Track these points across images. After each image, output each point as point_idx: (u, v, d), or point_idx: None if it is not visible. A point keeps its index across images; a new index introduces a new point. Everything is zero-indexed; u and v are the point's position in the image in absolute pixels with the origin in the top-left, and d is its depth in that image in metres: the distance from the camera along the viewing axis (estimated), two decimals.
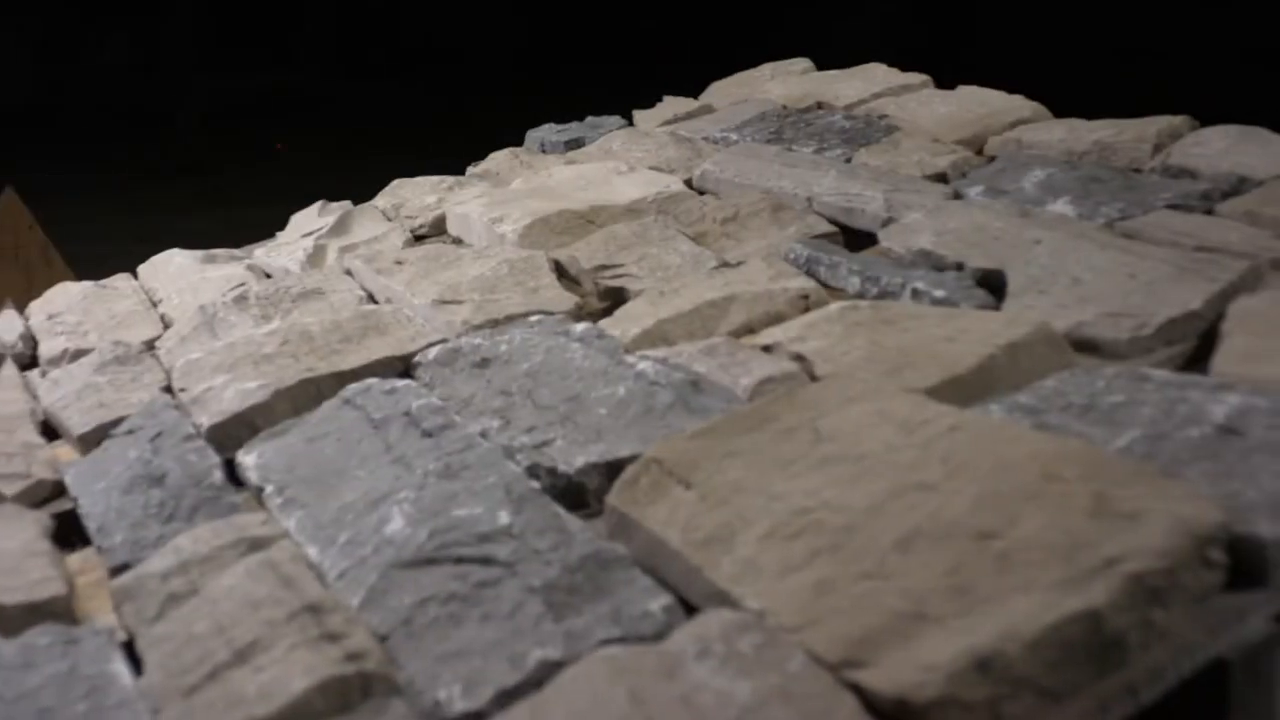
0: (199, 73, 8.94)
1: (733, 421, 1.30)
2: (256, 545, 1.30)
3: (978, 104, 2.47)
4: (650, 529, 1.16)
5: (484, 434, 1.45)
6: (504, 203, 2.37)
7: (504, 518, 1.22)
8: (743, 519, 1.14)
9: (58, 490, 1.64)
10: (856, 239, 1.99)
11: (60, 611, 1.30)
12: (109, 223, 6.54)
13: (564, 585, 1.11)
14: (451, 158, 3.32)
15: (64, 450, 1.78)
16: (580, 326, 1.68)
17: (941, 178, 2.13)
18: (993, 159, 2.21)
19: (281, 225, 2.78)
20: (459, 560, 1.18)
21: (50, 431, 1.85)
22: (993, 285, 1.64)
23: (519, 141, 3.12)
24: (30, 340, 2.22)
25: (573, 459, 1.34)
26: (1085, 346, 1.44)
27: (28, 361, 2.17)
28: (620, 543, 1.19)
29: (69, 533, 1.53)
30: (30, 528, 1.49)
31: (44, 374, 2.06)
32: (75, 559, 1.47)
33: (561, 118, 3.24)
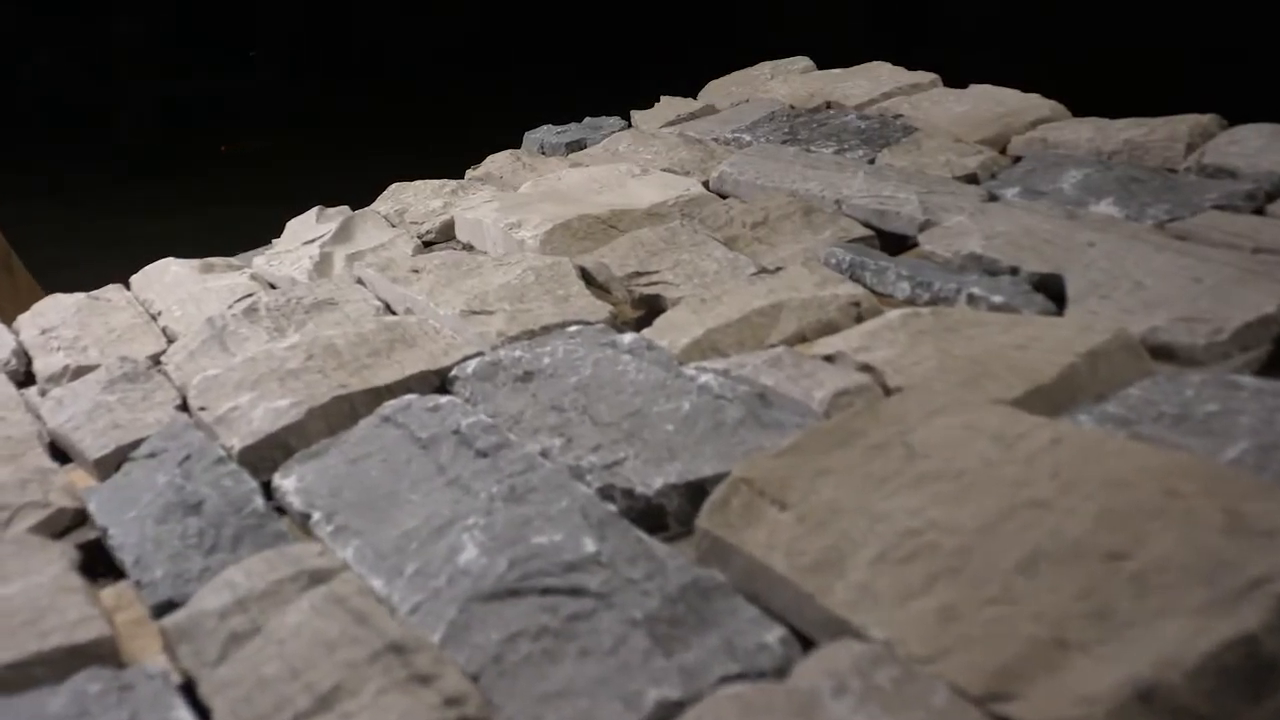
0: (156, 73, 8.72)
1: (818, 437, 1.24)
2: (317, 578, 1.23)
3: (994, 103, 2.44)
4: (750, 554, 1.11)
5: (545, 453, 1.39)
6: (517, 207, 2.30)
7: (589, 545, 1.16)
8: (849, 541, 1.09)
9: (78, 519, 1.54)
10: (890, 242, 1.95)
11: (106, 654, 1.21)
12: (67, 227, 6.34)
13: (666, 617, 1.05)
14: (442, 159, 3.24)
15: (78, 475, 1.68)
16: (629, 337, 1.62)
17: (972, 179, 2.10)
18: (1018, 159, 2.18)
19: (254, 228, 2.68)
20: (545, 591, 1.12)
21: (58, 454, 1.75)
22: (1051, 290, 1.60)
23: (507, 143, 3.03)
24: (24, 356, 2.11)
25: (650, 480, 1.28)
26: (1160, 353, 1.41)
27: (22, 379, 2.06)
28: (716, 569, 1.13)
29: (94, 564, 1.44)
30: (57, 561, 1.39)
31: (43, 393, 1.95)
32: (108, 594, 1.38)
33: (545, 118, 3.16)
